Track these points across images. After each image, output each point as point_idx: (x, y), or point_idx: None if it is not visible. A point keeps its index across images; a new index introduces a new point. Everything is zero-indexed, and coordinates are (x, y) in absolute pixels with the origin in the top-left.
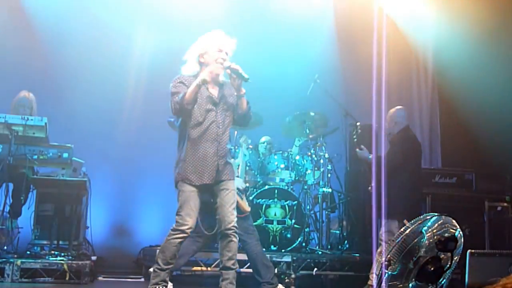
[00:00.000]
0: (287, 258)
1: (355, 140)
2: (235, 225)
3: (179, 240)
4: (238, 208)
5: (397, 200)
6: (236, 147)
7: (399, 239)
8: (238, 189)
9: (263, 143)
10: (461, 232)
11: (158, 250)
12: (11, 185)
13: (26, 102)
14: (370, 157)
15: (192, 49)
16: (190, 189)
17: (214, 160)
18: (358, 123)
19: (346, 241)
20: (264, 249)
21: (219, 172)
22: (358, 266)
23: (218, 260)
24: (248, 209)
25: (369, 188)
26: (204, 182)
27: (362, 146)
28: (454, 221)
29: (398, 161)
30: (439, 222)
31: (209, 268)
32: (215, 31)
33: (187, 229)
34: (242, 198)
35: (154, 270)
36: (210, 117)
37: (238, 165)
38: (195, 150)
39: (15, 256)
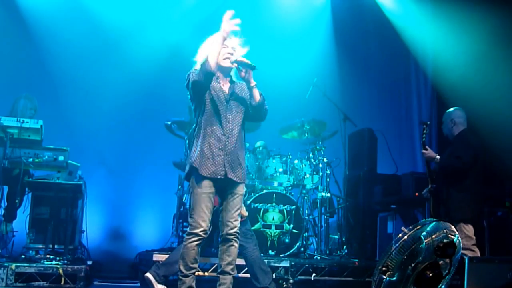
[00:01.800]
0: (285, 263)
1: (424, 140)
2: (238, 230)
3: (196, 243)
4: None
5: (464, 203)
6: None
7: (397, 244)
8: None
9: (258, 147)
10: (459, 238)
11: (178, 258)
12: (5, 188)
13: (28, 103)
14: (438, 157)
15: (202, 49)
16: (202, 190)
17: (220, 155)
18: (428, 122)
19: (345, 246)
20: (262, 254)
21: (230, 169)
22: (357, 271)
23: (216, 265)
24: (246, 213)
25: (425, 191)
26: (212, 175)
27: (427, 147)
28: (452, 226)
29: (460, 164)
30: (438, 228)
31: (206, 273)
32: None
33: (201, 231)
34: None
35: (179, 278)
36: (221, 112)
37: None
38: (206, 144)
39: (10, 260)
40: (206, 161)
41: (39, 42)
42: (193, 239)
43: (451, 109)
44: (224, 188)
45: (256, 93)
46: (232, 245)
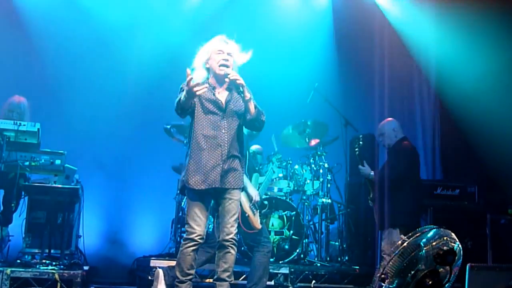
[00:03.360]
0: (285, 270)
1: (357, 153)
2: (234, 237)
3: (192, 248)
4: (249, 224)
5: (399, 211)
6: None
7: (397, 252)
8: (253, 205)
9: (253, 152)
10: (460, 245)
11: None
12: (1, 192)
13: (15, 107)
14: (371, 174)
15: (198, 56)
16: (194, 196)
17: (218, 165)
18: (360, 136)
19: (345, 253)
20: None
21: (223, 178)
22: (358, 278)
23: (214, 271)
24: (259, 226)
25: (369, 199)
26: (205, 187)
27: (364, 162)
28: (453, 234)
29: (397, 173)
30: (438, 235)
31: (206, 280)
32: (217, 36)
33: (196, 237)
34: (254, 214)
35: (175, 284)
36: (215, 121)
37: (261, 182)
38: (198, 155)
39: (5, 264)
40: (199, 175)
41: (36, 44)
42: (188, 244)
43: (389, 119)
44: (218, 193)
45: (251, 106)
46: (229, 252)
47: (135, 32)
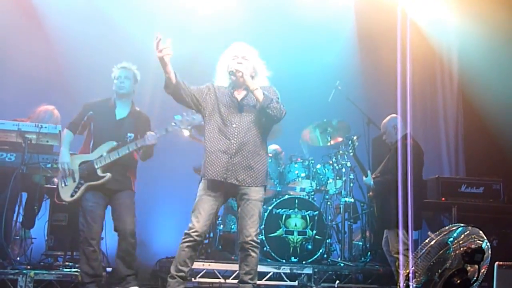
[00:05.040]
0: (308, 270)
1: (352, 154)
2: (255, 239)
3: (186, 244)
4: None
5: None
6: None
7: (424, 250)
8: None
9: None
10: (488, 244)
11: None
12: (24, 195)
13: (47, 119)
14: (372, 183)
15: (218, 64)
16: (203, 192)
17: (223, 157)
18: (355, 137)
19: (369, 253)
20: (284, 261)
21: (230, 173)
22: (381, 278)
23: (237, 272)
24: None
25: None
26: (212, 177)
27: (368, 172)
28: (481, 232)
29: (397, 171)
30: (466, 233)
31: (227, 280)
32: (234, 43)
33: (193, 232)
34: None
35: (167, 278)
36: (227, 116)
37: None
38: (208, 146)
39: (29, 267)
40: (208, 164)
41: (57, 44)
42: (184, 239)
43: (391, 116)
44: (234, 193)
45: (257, 95)
46: (249, 255)
47: (155, 33)
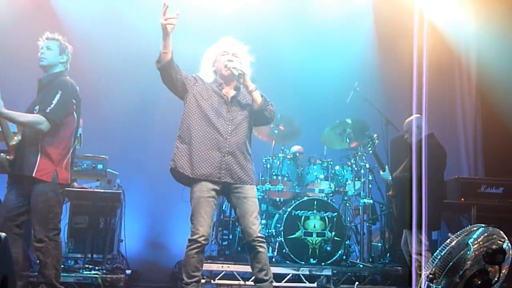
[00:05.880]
0: (327, 272)
1: (371, 151)
2: (260, 234)
3: (195, 251)
4: None
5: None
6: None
7: (445, 251)
8: None
9: (295, 153)
10: (509, 244)
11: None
12: None
13: None
14: (390, 179)
15: (204, 59)
16: (199, 193)
17: (215, 155)
18: (375, 135)
19: (388, 254)
20: (303, 262)
21: (224, 171)
22: (400, 279)
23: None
24: None
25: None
26: (206, 177)
27: (386, 167)
28: (502, 232)
29: (419, 171)
30: (486, 234)
31: (246, 282)
32: (222, 38)
33: (199, 238)
34: None
35: (182, 286)
36: (218, 112)
37: None
38: (196, 142)
39: None
40: (199, 162)
41: (77, 47)
42: (192, 246)
43: (415, 116)
44: (226, 190)
45: (256, 96)
46: (258, 251)
47: (176, 39)
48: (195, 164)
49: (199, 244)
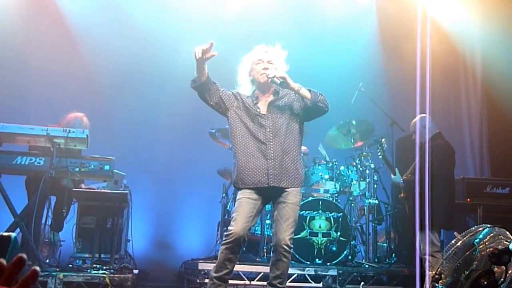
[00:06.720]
0: (333, 272)
1: (381, 156)
2: (288, 243)
3: (224, 246)
4: None
5: (435, 212)
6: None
7: (450, 251)
8: None
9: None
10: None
11: None
12: (53, 198)
13: (80, 125)
14: (401, 181)
15: (240, 70)
16: (244, 195)
17: (261, 163)
18: (383, 139)
19: (393, 254)
20: (308, 262)
21: (271, 176)
22: (406, 279)
23: (261, 274)
24: None
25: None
26: (254, 185)
27: (396, 170)
28: (508, 232)
29: (430, 172)
30: (492, 234)
31: (252, 282)
32: (256, 47)
33: (231, 234)
34: None
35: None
36: (257, 122)
37: None
38: (241, 153)
39: (58, 269)
40: (246, 171)
41: (85, 50)
42: (224, 241)
43: (421, 116)
44: (272, 196)
45: (304, 93)
46: (280, 259)
47: (181, 41)
48: (244, 176)
49: (228, 240)
